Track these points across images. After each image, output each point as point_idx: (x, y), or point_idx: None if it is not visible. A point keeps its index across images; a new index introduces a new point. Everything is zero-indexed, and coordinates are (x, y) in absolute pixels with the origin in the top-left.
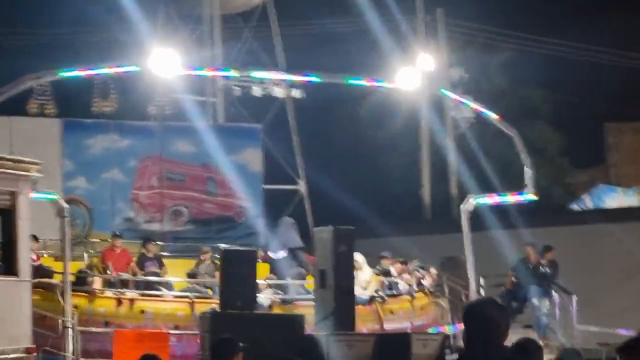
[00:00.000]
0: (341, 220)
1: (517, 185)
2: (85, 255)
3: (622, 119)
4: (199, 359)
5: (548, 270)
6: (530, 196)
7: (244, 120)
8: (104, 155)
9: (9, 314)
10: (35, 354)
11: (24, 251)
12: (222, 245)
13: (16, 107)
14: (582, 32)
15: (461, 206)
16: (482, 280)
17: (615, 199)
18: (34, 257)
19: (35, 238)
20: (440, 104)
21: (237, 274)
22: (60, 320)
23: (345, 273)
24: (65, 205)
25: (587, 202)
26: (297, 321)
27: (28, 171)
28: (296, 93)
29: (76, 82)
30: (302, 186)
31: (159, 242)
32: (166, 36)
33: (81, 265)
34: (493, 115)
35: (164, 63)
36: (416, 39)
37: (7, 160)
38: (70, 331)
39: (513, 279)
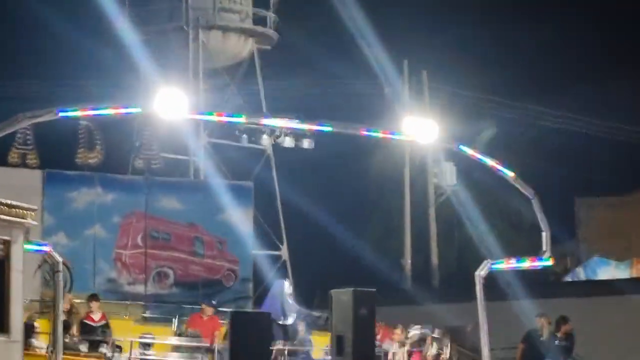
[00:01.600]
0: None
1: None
2: None
3: (593, 193)
4: None
5: (564, 343)
6: (548, 262)
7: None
8: (86, 209)
9: None
10: None
11: (17, 307)
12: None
13: None
14: (558, 99)
15: (476, 272)
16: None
17: (608, 271)
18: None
19: None
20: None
21: (248, 341)
22: None
23: (365, 339)
24: (59, 258)
25: (580, 274)
26: None
27: (24, 218)
28: (307, 143)
29: (60, 132)
30: (284, 252)
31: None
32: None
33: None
34: (510, 174)
35: (169, 105)
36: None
37: (2, 204)
38: None
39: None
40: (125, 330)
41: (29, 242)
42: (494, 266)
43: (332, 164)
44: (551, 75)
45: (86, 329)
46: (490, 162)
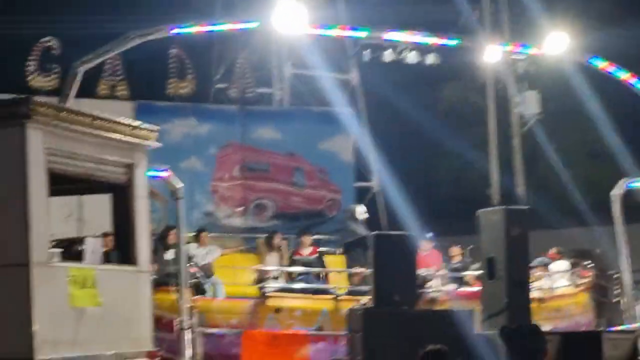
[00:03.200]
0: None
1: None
2: None
3: None
4: None
5: None
6: None
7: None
8: (181, 142)
9: (129, 310)
10: (158, 358)
11: (143, 236)
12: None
13: (86, 87)
14: None
15: (612, 192)
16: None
17: None
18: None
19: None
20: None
21: (393, 264)
22: (176, 320)
23: (519, 262)
24: (180, 183)
25: None
26: (466, 319)
27: (147, 139)
28: (432, 58)
29: (150, 62)
30: (375, 183)
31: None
32: None
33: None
34: None
35: (288, 19)
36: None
37: (124, 125)
38: (188, 333)
39: None
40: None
41: None
42: (631, 185)
43: (415, 92)
44: None
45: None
46: (624, 75)
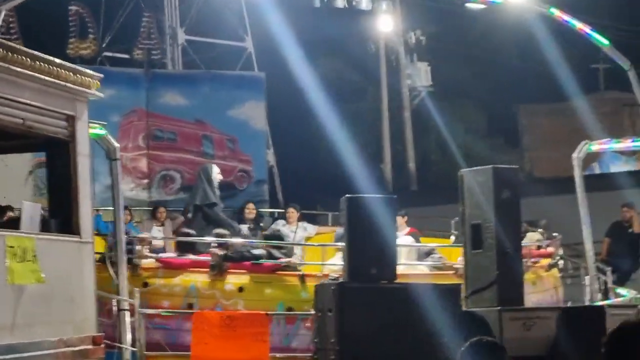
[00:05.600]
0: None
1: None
2: None
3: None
4: (315, 348)
5: None
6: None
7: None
8: None
9: (72, 288)
10: (102, 345)
11: (86, 202)
12: None
13: None
14: None
15: (573, 155)
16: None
17: (618, 165)
18: None
19: None
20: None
21: (370, 231)
22: (114, 301)
23: (511, 228)
24: (116, 144)
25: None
26: (453, 294)
27: (89, 88)
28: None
29: (48, 19)
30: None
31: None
32: None
33: None
34: (604, 42)
35: None
36: None
37: (67, 68)
38: (127, 315)
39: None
40: None
41: None
42: (590, 147)
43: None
44: None
45: None
46: (579, 25)
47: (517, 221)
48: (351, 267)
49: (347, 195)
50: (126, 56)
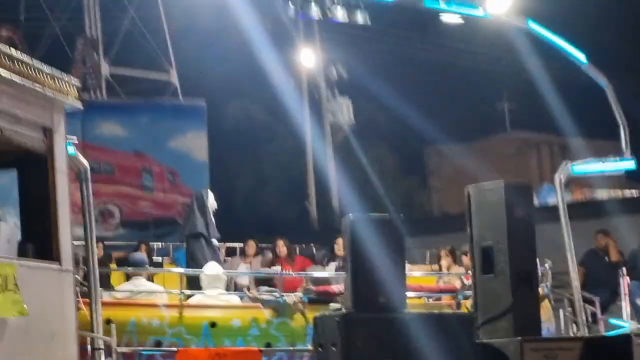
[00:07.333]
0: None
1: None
2: None
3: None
4: None
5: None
6: (630, 162)
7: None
8: None
9: (54, 322)
10: None
11: (65, 225)
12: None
13: None
14: None
15: (555, 175)
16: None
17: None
18: None
19: None
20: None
21: (376, 256)
22: (88, 339)
23: (526, 250)
24: (85, 163)
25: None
26: (467, 324)
27: (67, 96)
28: (361, 17)
29: None
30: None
31: None
32: None
33: None
34: (583, 60)
35: None
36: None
37: (45, 73)
38: (102, 355)
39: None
40: None
41: None
42: (575, 167)
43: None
44: None
45: None
46: (562, 43)
47: (532, 242)
48: (356, 296)
49: (351, 215)
50: None
